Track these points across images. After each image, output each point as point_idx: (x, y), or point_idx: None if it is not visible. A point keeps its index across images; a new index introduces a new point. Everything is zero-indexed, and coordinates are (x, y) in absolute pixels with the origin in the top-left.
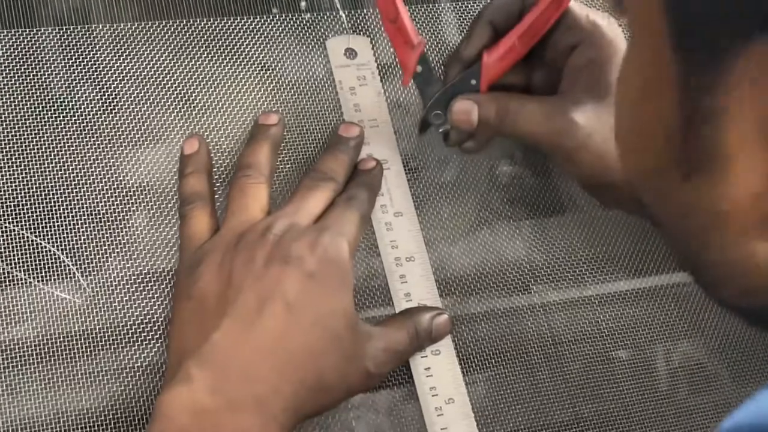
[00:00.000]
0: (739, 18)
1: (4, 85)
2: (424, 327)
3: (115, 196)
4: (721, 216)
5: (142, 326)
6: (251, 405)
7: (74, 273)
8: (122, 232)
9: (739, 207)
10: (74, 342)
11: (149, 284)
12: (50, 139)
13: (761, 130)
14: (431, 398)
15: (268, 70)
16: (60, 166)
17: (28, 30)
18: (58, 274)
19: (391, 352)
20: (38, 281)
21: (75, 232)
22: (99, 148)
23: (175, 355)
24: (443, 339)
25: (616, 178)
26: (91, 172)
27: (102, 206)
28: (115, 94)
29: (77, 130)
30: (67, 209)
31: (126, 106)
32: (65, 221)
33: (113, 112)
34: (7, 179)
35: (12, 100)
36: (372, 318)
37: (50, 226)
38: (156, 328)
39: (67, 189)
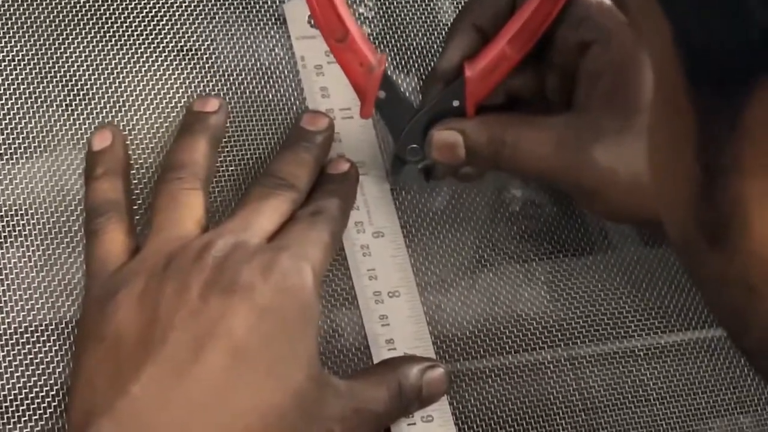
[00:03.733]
0: (748, 52)
1: None
2: (411, 383)
3: None
4: (753, 290)
5: (26, 397)
6: None
7: None
8: None
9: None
10: None
11: (35, 342)
12: None
13: None
14: None
15: (204, 42)
16: None
17: None
18: None
19: (365, 415)
20: None
21: None
22: None
23: (79, 414)
24: (437, 400)
25: (652, 215)
26: None
27: None
28: None
29: None
30: None
31: None
32: None
33: None
34: None
35: None
36: (341, 372)
37: None
38: (47, 398)
39: None
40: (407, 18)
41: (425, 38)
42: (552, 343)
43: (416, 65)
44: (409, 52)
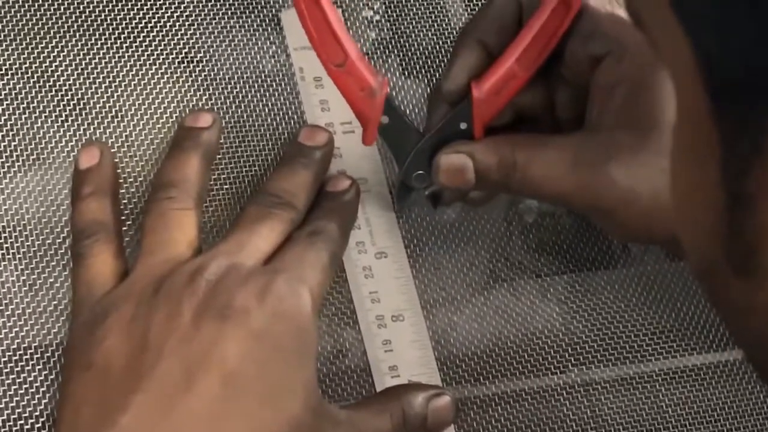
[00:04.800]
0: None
1: None
2: (415, 412)
3: None
4: None
5: (14, 423)
6: None
7: None
8: None
9: None
10: None
11: (24, 365)
12: None
13: None
14: None
15: (198, 53)
16: None
17: None
18: None
19: None
20: None
21: None
22: None
23: None
24: (443, 430)
25: (672, 235)
26: None
27: None
28: None
29: None
30: None
31: None
32: None
33: None
34: None
35: None
36: (342, 401)
37: None
38: (36, 423)
39: None
40: (415, 21)
41: (434, 42)
42: (565, 368)
43: (424, 69)
44: (416, 56)
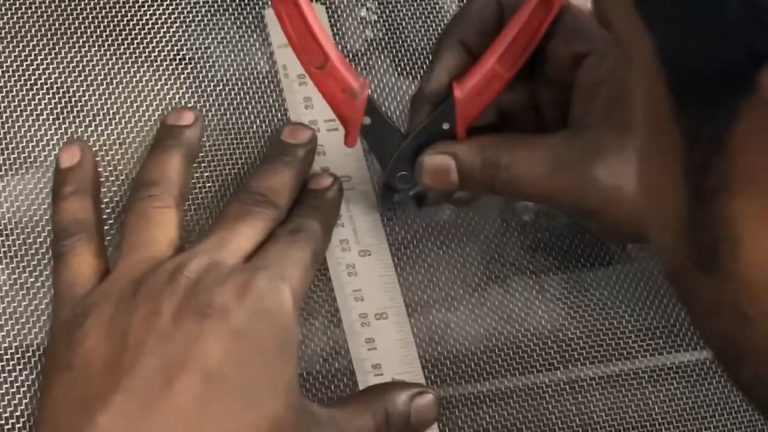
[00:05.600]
0: (732, 69)
1: None
2: (398, 411)
3: None
4: (744, 316)
5: None
6: None
7: None
8: None
9: (759, 305)
10: None
11: (4, 366)
12: None
13: None
14: None
15: (180, 51)
16: None
17: None
18: None
19: None
20: None
21: None
22: None
23: None
24: (427, 428)
25: None
26: None
27: None
28: None
29: None
30: None
31: None
32: None
33: None
34: None
35: None
36: (324, 401)
37: None
38: (17, 424)
39: None
40: (411, 20)
41: (430, 41)
42: (550, 365)
43: (422, 70)
44: (411, 56)
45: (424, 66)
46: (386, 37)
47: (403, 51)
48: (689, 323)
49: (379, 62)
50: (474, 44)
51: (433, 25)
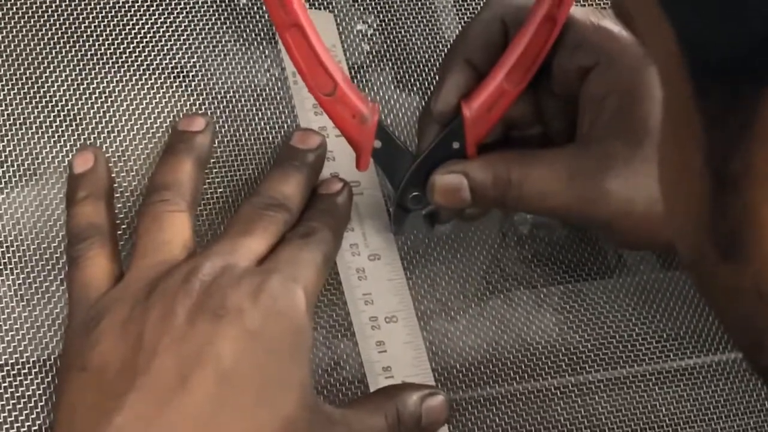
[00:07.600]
0: (756, 55)
1: None
2: (410, 411)
3: None
4: (766, 298)
5: None
6: None
7: None
8: None
9: None
10: None
11: (22, 379)
12: None
13: None
14: None
15: (191, 59)
16: None
17: None
18: None
19: None
20: None
21: None
22: None
23: None
24: (437, 429)
25: (670, 241)
26: None
27: None
28: None
29: None
30: None
31: None
32: None
33: None
34: None
35: None
36: (337, 402)
37: None
38: None
39: None
40: (408, 33)
41: (427, 54)
42: (559, 369)
43: (419, 82)
44: (410, 69)
45: (424, 79)
46: (385, 51)
47: (401, 65)
48: (693, 331)
49: (376, 75)
50: (480, 62)
51: (431, 38)
